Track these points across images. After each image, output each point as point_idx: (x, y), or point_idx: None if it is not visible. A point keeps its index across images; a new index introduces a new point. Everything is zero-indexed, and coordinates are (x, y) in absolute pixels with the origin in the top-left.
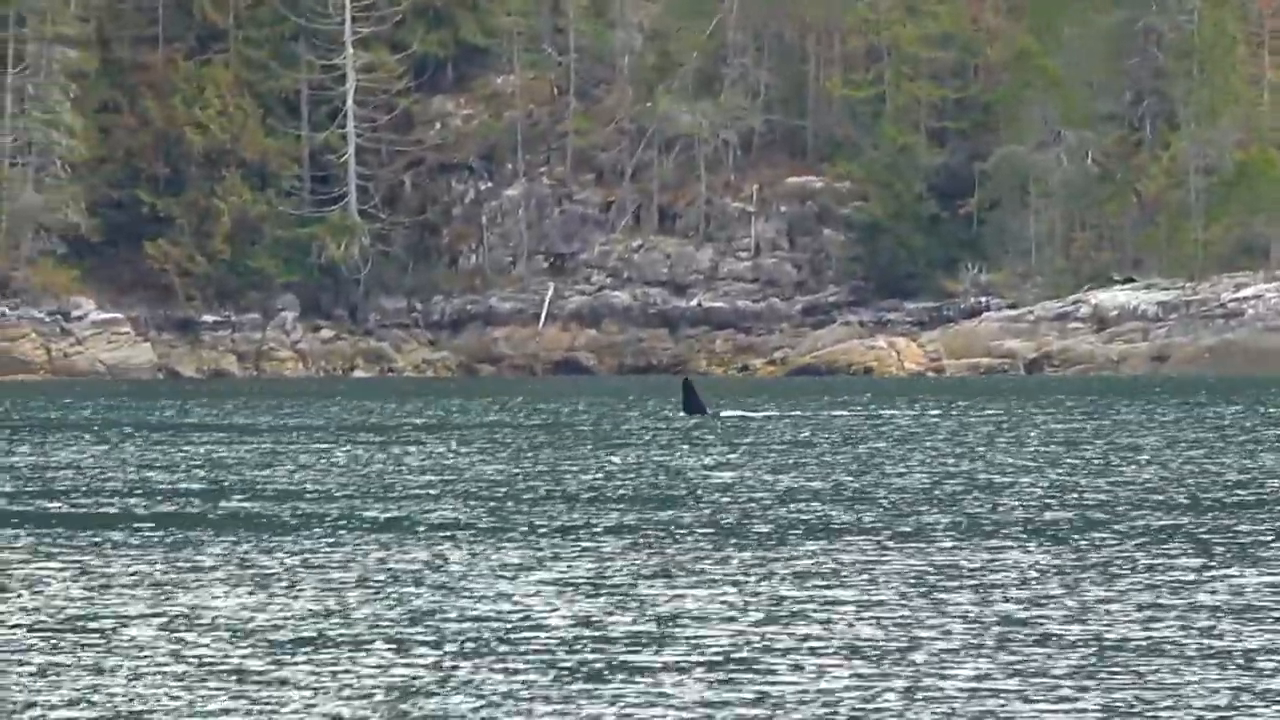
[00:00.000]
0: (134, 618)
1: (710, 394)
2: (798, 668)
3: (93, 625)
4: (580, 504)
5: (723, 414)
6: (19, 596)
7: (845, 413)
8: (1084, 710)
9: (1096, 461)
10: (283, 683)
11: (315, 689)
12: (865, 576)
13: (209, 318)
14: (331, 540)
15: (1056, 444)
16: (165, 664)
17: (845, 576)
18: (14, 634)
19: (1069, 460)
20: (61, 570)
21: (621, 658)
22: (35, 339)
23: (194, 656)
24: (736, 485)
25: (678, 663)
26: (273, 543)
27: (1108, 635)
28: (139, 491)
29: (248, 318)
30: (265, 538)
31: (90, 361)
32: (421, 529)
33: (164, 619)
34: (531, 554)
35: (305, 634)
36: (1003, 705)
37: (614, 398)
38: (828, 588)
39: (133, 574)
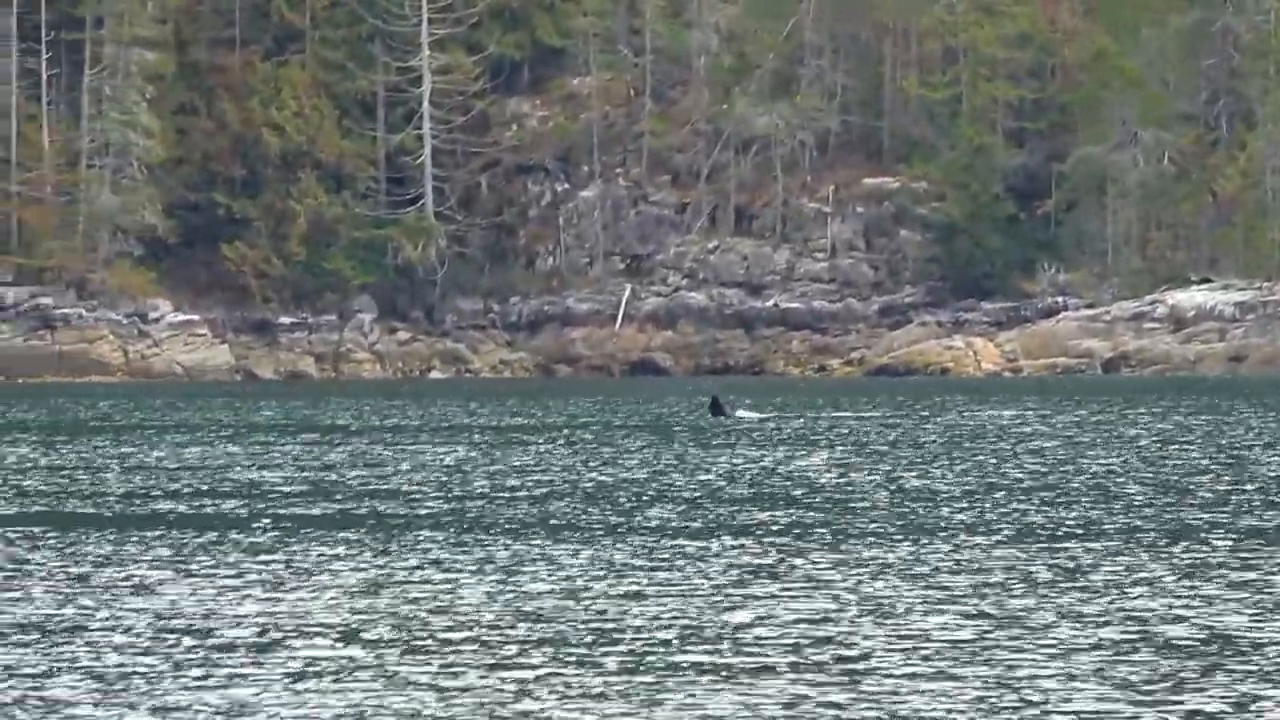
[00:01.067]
0: (337, 621)
1: (785, 397)
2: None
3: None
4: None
5: (737, 414)
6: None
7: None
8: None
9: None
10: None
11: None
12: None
13: (286, 319)
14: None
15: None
16: (335, 663)
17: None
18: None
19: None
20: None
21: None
22: (112, 340)
23: (372, 655)
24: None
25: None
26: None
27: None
28: (318, 492)
29: (324, 319)
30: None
31: (167, 363)
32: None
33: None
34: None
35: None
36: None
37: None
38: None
39: (323, 572)
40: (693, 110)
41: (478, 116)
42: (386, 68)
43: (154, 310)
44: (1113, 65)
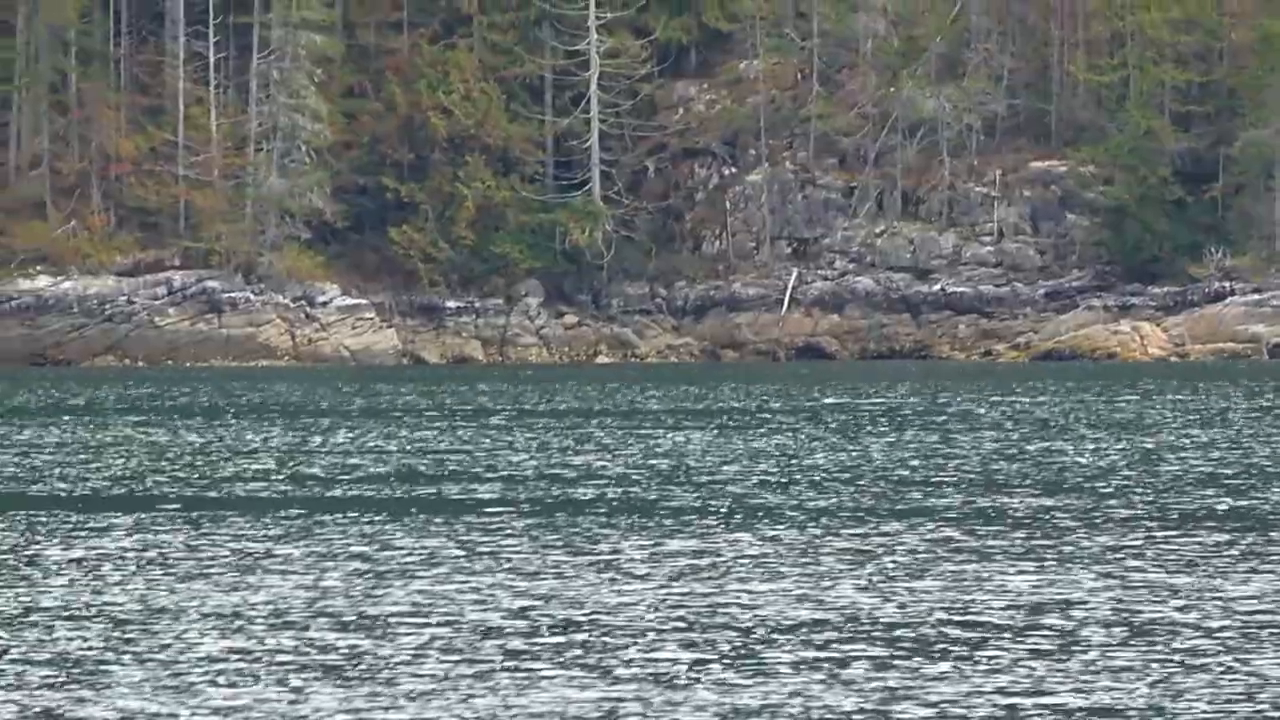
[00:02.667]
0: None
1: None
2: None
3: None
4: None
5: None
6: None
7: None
8: None
9: None
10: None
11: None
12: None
13: (452, 304)
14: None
15: None
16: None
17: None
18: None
19: None
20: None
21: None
22: (280, 324)
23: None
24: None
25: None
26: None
27: None
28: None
29: (491, 303)
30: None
31: (335, 347)
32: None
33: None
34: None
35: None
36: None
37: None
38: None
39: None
40: (860, 94)
41: (645, 100)
42: (554, 52)
43: (321, 294)
44: None
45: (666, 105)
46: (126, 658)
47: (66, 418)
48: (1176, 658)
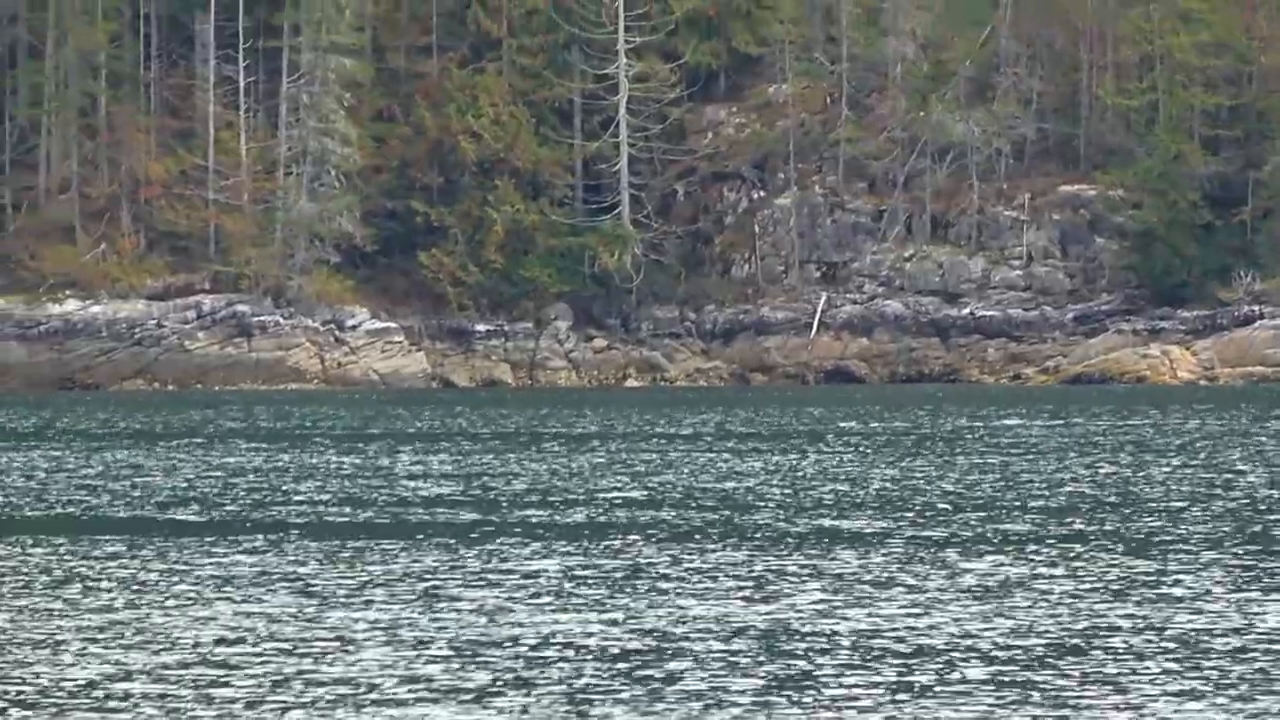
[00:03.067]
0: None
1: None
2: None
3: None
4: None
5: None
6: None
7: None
8: None
9: None
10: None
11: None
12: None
13: (482, 327)
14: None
15: None
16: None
17: None
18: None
19: None
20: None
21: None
22: (310, 348)
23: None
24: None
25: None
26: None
27: None
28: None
29: (520, 327)
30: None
31: (364, 371)
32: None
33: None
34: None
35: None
36: None
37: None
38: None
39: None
40: (889, 117)
41: (674, 124)
42: (583, 75)
43: (351, 318)
44: None
45: (696, 129)
46: (179, 680)
47: (127, 441)
48: (1233, 679)
